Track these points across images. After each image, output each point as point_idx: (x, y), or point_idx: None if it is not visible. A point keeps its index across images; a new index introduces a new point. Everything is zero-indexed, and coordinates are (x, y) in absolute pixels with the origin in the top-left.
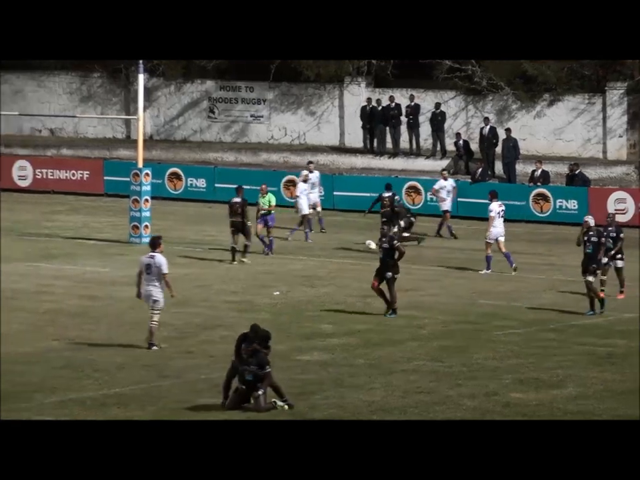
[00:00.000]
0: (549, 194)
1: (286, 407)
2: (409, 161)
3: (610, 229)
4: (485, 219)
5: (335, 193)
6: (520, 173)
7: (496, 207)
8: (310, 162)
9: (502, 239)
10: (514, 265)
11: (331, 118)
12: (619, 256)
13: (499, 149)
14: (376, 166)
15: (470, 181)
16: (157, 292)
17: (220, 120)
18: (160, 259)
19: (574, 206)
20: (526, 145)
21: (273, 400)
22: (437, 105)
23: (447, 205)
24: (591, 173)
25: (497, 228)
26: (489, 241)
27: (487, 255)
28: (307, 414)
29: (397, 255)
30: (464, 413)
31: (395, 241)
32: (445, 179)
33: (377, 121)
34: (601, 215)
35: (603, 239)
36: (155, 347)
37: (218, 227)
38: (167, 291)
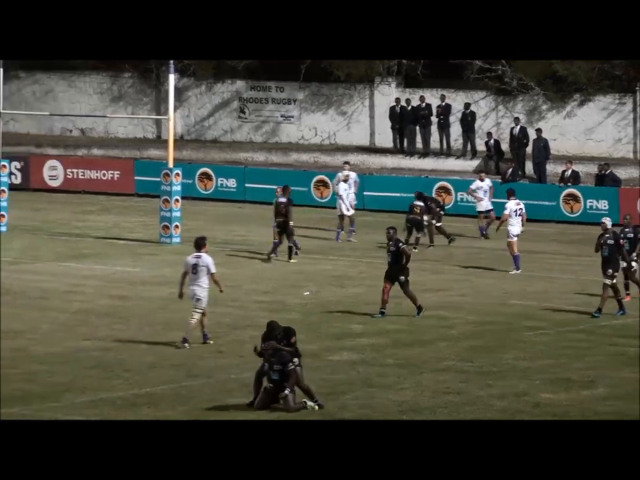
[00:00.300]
0: (579, 194)
1: (316, 407)
2: (439, 161)
3: (627, 229)
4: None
5: (365, 193)
6: (550, 173)
7: (512, 205)
8: (346, 162)
9: (516, 239)
10: (519, 268)
11: (361, 118)
12: (635, 257)
13: (529, 149)
14: (406, 166)
15: (500, 181)
16: (200, 291)
17: (250, 120)
18: (206, 258)
19: (604, 206)
20: (556, 145)
21: (303, 400)
22: (467, 105)
23: (484, 206)
24: (621, 173)
25: (515, 226)
26: (511, 240)
27: (513, 255)
28: (336, 414)
29: (404, 258)
30: (494, 414)
31: (401, 244)
32: (482, 179)
33: (406, 121)
34: (633, 215)
35: (621, 241)
36: (186, 345)
37: (248, 226)
38: (215, 289)
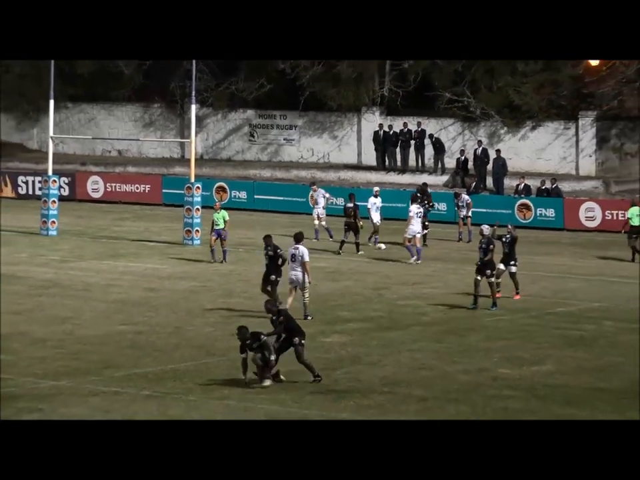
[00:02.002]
0: (530, 204)
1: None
2: (415, 176)
3: (507, 236)
4: (478, 223)
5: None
6: (507, 187)
7: (414, 209)
8: (313, 183)
9: (419, 235)
10: (419, 260)
11: (350, 141)
12: (513, 262)
13: (490, 167)
14: (387, 181)
15: (465, 191)
16: (300, 275)
17: (258, 142)
18: (303, 249)
19: (552, 214)
20: (512, 163)
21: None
22: (431, 136)
23: (463, 213)
24: (565, 186)
25: (415, 226)
26: (408, 236)
27: (406, 246)
28: (329, 385)
29: (280, 260)
30: (459, 385)
31: (279, 250)
32: (458, 195)
33: (388, 143)
34: (574, 222)
35: (492, 245)
36: (309, 318)
37: (256, 231)
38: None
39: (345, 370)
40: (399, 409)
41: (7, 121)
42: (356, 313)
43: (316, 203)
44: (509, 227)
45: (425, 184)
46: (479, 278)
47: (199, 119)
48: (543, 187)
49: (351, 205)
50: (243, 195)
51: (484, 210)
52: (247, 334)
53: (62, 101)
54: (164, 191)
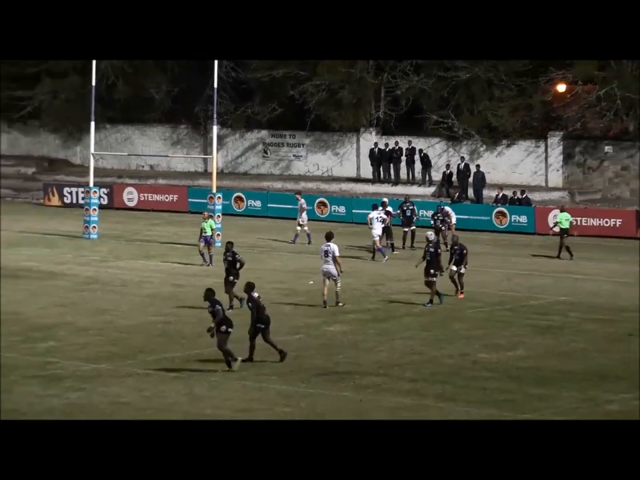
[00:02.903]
0: (506, 211)
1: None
2: (406, 188)
3: (455, 247)
4: (462, 228)
5: (353, 211)
6: (485, 197)
7: (374, 214)
8: (298, 192)
9: (377, 238)
10: (386, 257)
11: (350, 157)
12: (462, 265)
13: (470, 179)
14: (382, 192)
15: (450, 201)
16: (332, 269)
17: (271, 158)
18: (334, 246)
19: (524, 220)
20: (490, 177)
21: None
22: (420, 152)
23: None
24: (536, 196)
25: (377, 229)
26: (375, 239)
27: (378, 248)
28: (332, 368)
29: (238, 265)
30: (445, 368)
31: (237, 255)
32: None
33: (382, 159)
34: (544, 227)
35: (439, 250)
36: (340, 304)
37: (269, 235)
38: (338, 267)
39: (345, 355)
40: (393, 388)
41: (55, 140)
42: (355, 306)
43: (301, 210)
44: (455, 239)
45: (407, 196)
46: (430, 279)
47: (220, 138)
48: (515, 197)
49: (399, 210)
50: (257, 203)
51: (466, 217)
52: (211, 296)
53: (101, 123)
54: (189, 200)
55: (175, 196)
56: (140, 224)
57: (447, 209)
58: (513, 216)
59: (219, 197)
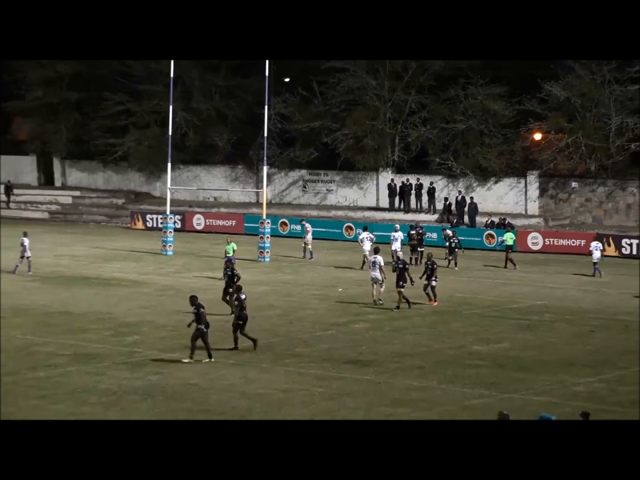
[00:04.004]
0: (494, 234)
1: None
2: (415, 215)
3: (429, 262)
4: (453, 248)
5: (373, 233)
6: (478, 222)
7: (365, 235)
8: (302, 219)
9: (367, 253)
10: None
11: (371, 190)
12: (434, 279)
13: (466, 209)
14: (396, 218)
15: (450, 226)
16: (378, 275)
17: (309, 192)
18: (380, 258)
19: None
20: (481, 206)
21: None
22: (425, 187)
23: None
24: (518, 222)
25: (366, 246)
26: (365, 253)
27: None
28: (356, 357)
29: (236, 278)
30: (446, 357)
31: (235, 270)
32: (445, 231)
33: (396, 193)
34: (524, 246)
35: (407, 265)
36: (380, 302)
37: (306, 252)
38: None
39: (367, 346)
40: (404, 373)
41: (140, 177)
42: (374, 309)
43: (306, 232)
44: (429, 255)
45: (417, 222)
46: (400, 290)
47: (269, 176)
48: (501, 222)
49: (413, 232)
50: (298, 227)
51: (462, 238)
52: (195, 301)
53: (176, 164)
54: (245, 224)
55: (234, 221)
56: (206, 243)
57: (448, 231)
58: (499, 237)
59: (267, 222)
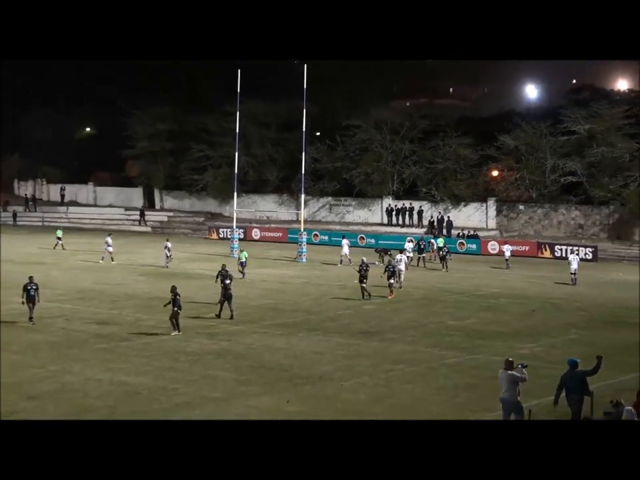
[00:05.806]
0: (464, 242)
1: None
2: (409, 229)
3: (389, 266)
4: (444, 256)
5: (379, 242)
6: (452, 234)
7: (344, 241)
8: (302, 232)
9: (346, 253)
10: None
11: (377, 211)
12: (393, 278)
13: (444, 224)
14: (395, 231)
15: (432, 236)
16: (403, 267)
17: (334, 212)
18: (404, 257)
19: (474, 247)
20: (455, 223)
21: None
22: (419, 207)
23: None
24: (481, 233)
25: (345, 249)
26: (343, 255)
27: (348, 260)
28: (367, 329)
29: (228, 280)
30: (430, 329)
31: (229, 271)
32: (433, 241)
33: (395, 213)
34: (486, 251)
35: (368, 267)
36: (401, 288)
37: (331, 256)
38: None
39: (374, 322)
40: (401, 341)
41: (214, 202)
42: (378, 300)
43: (343, 246)
44: (389, 260)
45: (422, 235)
46: (361, 284)
47: (305, 201)
48: (469, 234)
49: (420, 242)
50: (325, 237)
51: (442, 245)
52: (174, 290)
53: (240, 193)
54: (289, 235)
55: (281, 233)
56: (261, 249)
57: (432, 240)
58: (468, 244)
59: (304, 234)
